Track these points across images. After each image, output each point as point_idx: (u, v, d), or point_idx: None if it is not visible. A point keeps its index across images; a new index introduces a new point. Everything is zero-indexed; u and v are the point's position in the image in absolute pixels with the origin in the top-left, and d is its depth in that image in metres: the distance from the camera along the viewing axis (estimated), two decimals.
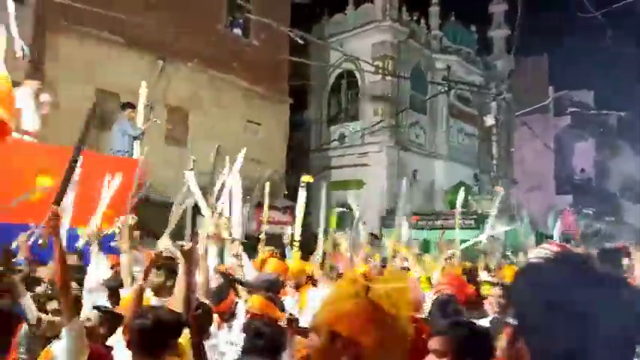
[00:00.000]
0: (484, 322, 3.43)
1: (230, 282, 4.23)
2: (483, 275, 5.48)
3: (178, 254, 3.16)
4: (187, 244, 3.14)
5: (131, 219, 4.73)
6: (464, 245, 7.05)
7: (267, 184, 5.99)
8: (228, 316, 3.78)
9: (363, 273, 1.86)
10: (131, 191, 5.19)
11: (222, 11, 15.50)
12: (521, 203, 18.20)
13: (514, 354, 1.17)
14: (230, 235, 4.97)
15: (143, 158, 8.13)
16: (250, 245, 5.81)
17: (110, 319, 3.27)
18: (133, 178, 5.36)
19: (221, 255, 5.02)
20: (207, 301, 3.59)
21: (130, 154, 8.37)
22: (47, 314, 3.56)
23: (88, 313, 3.52)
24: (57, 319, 3.17)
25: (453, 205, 10.51)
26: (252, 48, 15.88)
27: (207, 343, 2.98)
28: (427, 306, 3.52)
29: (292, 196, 6.02)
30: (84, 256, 5.23)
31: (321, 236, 6.13)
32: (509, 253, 10.61)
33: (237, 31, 16.12)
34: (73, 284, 4.22)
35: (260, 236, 6.93)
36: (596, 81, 23.90)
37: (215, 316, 3.59)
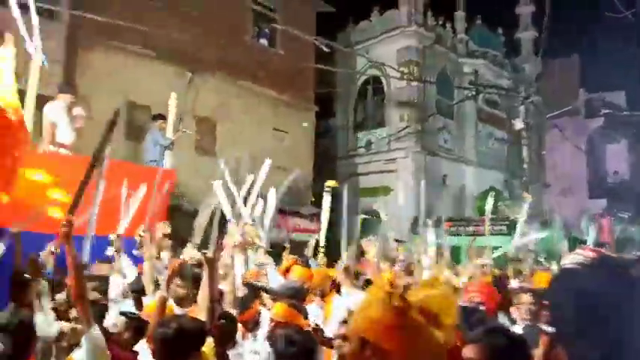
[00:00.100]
0: (516, 330, 3.37)
1: (255, 291, 4.23)
2: (514, 283, 5.37)
3: (202, 262, 3.18)
4: (210, 252, 3.14)
5: (165, 226, 4.79)
6: (495, 254, 6.94)
7: (287, 184, 5.80)
8: (253, 325, 3.76)
9: (389, 280, 1.84)
10: (151, 200, 5.25)
11: (249, 22, 15.73)
12: (554, 208, 17.82)
13: None
14: (256, 243, 4.98)
15: (164, 168, 8.31)
16: (276, 253, 5.84)
17: (136, 325, 3.28)
18: (154, 187, 5.42)
19: (247, 263, 5.06)
20: (233, 310, 3.59)
21: (161, 163, 8.55)
22: (69, 322, 3.61)
23: (114, 319, 3.57)
24: (79, 326, 3.15)
25: (482, 211, 10.38)
26: (278, 57, 16.06)
27: (232, 352, 2.97)
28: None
29: (319, 204, 6.01)
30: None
31: (344, 243, 6.10)
32: (542, 258, 10.39)
33: (264, 41, 16.33)
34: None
35: (285, 244, 6.96)
36: (627, 81, 23.19)
37: (239, 326, 3.57)
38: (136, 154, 10.18)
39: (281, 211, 9.24)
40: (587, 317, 1.04)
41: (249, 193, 5.45)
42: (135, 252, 5.28)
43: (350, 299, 4.18)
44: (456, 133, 20.68)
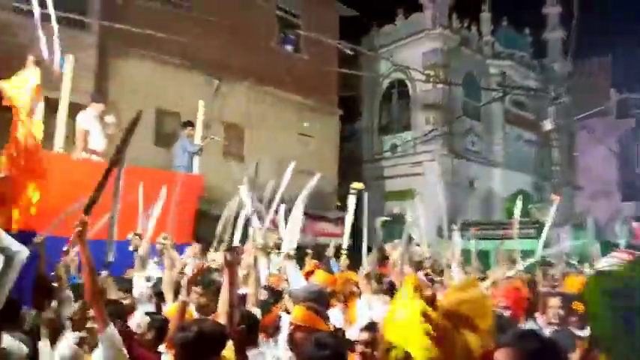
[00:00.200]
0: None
1: (276, 295, 4.19)
2: (543, 287, 5.25)
3: (222, 264, 3.18)
4: (230, 255, 3.14)
5: (195, 249, 4.78)
6: (527, 262, 6.81)
7: (311, 187, 5.73)
8: (273, 331, 3.72)
9: (415, 286, 1.83)
10: (172, 206, 5.28)
11: (274, 29, 15.88)
12: (586, 210, 17.44)
13: None
14: (277, 247, 4.97)
15: (193, 173, 8.44)
16: (299, 256, 5.85)
17: (159, 326, 3.30)
18: (174, 193, 5.47)
19: (269, 267, 5.06)
20: (256, 311, 3.57)
21: (190, 169, 8.71)
22: (88, 320, 3.64)
23: (139, 320, 3.61)
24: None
25: (511, 214, 10.21)
26: (302, 62, 16.16)
27: (252, 353, 2.95)
28: None
29: (345, 208, 5.98)
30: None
31: (365, 247, 6.06)
32: (574, 262, 10.18)
33: (289, 47, 16.46)
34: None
35: (307, 250, 6.97)
36: None
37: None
38: (166, 160, 10.37)
39: (307, 215, 9.25)
40: (625, 320, 1.03)
41: (273, 197, 5.46)
42: (155, 259, 5.28)
43: (374, 309, 4.11)
44: (483, 136, 20.43)
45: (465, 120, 19.48)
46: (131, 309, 4.00)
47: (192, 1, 13.65)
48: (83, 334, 3.28)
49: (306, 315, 3.02)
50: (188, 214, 7.79)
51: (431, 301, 1.83)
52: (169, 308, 3.78)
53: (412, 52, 19.05)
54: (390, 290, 4.40)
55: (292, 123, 15.78)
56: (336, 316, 4.03)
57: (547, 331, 3.63)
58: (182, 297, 3.19)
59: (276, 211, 5.64)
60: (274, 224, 6.28)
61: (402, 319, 1.87)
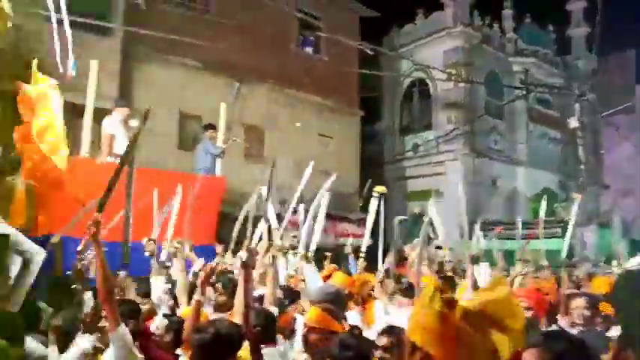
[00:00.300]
0: None
1: (292, 296, 4.18)
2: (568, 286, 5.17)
3: (237, 266, 3.18)
4: (245, 257, 3.14)
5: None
6: (540, 263, 6.72)
7: (327, 187, 5.70)
8: (289, 333, 3.72)
9: (435, 287, 1.83)
10: (190, 208, 5.26)
11: (294, 31, 15.95)
12: (612, 209, 17.09)
13: None
14: (293, 248, 4.96)
15: (216, 176, 8.50)
16: (317, 258, 5.85)
17: (177, 328, 3.30)
18: (190, 195, 5.48)
19: (286, 268, 5.05)
20: (273, 309, 3.58)
21: (212, 171, 8.80)
22: (101, 320, 3.66)
23: (157, 322, 3.63)
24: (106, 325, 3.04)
25: (537, 214, 10.07)
26: (322, 63, 16.20)
27: (269, 351, 2.96)
28: None
29: (367, 209, 5.98)
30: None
31: (380, 249, 6.03)
32: (600, 261, 10.02)
33: (308, 48, 16.51)
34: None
35: (326, 253, 6.98)
36: None
37: None
38: (188, 163, 10.50)
39: (328, 216, 9.24)
40: None
41: (292, 198, 5.48)
42: (168, 263, 5.29)
43: (391, 313, 4.09)
44: (506, 134, 20.18)
45: (487, 119, 19.28)
46: (151, 313, 4.03)
47: (212, 5, 13.81)
48: (96, 336, 3.28)
49: (320, 316, 3.00)
50: (211, 216, 7.88)
51: (450, 302, 1.83)
52: (184, 310, 3.79)
53: (433, 51, 18.93)
54: (409, 291, 4.37)
55: (312, 124, 15.82)
56: (353, 317, 4.01)
57: (574, 331, 3.57)
58: (196, 297, 3.17)
59: (295, 211, 5.64)
60: (294, 225, 6.31)
61: (422, 321, 1.88)
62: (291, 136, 14.86)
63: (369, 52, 12.55)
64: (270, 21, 14.57)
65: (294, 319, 3.85)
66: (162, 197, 5.93)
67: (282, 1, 14.38)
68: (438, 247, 7.15)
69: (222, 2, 13.81)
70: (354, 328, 3.40)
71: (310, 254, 4.77)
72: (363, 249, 5.72)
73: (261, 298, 3.83)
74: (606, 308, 3.82)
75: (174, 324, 3.38)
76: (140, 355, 2.85)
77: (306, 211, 5.41)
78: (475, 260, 5.29)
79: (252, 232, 4.46)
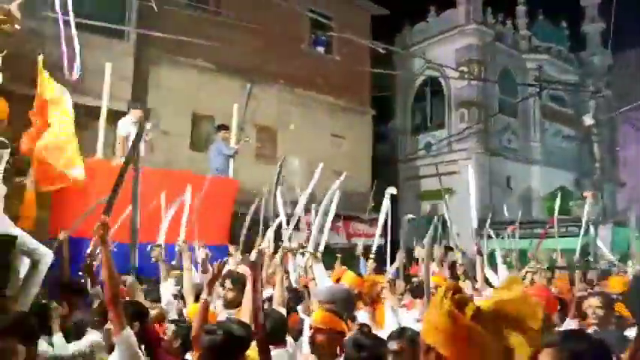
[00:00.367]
0: None
1: (298, 298, 4.17)
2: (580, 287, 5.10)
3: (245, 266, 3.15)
4: (255, 256, 3.13)
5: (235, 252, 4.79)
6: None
7: (336, 187, 5.66)
8: (296, 334, 3.70)
9: (447, 287, 1.82)
10: (197, 208, 5.26)
11: (305, 31, 15.97)
12: (629, 207, 16.84)
13: None
14: (302, 248, 4.94)
15: (229, 177, 8.54)
16: (328, 257, 5.81)
17: (187, 334, 3.25)
18: (197, 196, 5.48)
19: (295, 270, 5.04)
20: (282, 310, 3.57)
21: (225, 172, 8.85)
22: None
23: (167, 326, 3.61)
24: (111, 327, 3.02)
25: (552, 212, 9.98)
26: (334, 63, 16.20)
27: (278, 352, 2.96)
28: None
29: (379, 208, 5.97)
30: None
31: (389, 249, 6.00)
32: (616, 260, 9.89)
33: (320, 48, 16.52)
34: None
35: (337, 255, 6.97)
36: None
37: None
38: (202, 164, 10.57)
39: (340, 216, 9.26)
40: None
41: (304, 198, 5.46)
42: (173, 262, 5.29)
43: (399, 315, 4.07)
44: (520, 133, 20.01)
45: (501, 117, 19.14)
46: (159, 317, 4.03)
47: (223, 7, 13.88)
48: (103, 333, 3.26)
49: (326, 317, 2.99)
50: (224, 216, 7.93)
51: (461, 302, 1.83)
52: (190, 308, 3.79)
53: (445, 48, 18.83)
54: (418, 291, 4.36)
55: (324, 124, 15.83)
56: (363, 317, 4.00)
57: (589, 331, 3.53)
58: (203, 296, 3.15)
59: (308, 210, 5.62)
60: (308, 225, 6.32)
61: (433, 321, 1.89)
62: (303, 136, 14.88)
63: (381, 50, 12.53)
64: (281, 21, 14.59)
65: (302, 320, 3.84)
66: (173, 198, 5.94)
67: (294, 0, 14.41)
68: (449, 248, 7.11)
69: (233, 3, 13.86)
70: (363, 326, 3.40)
71: (319, 253, 4.74)
72: (374, 249, 5.71)
73: (269, 299, 3.84)
74: (621, 309, 3.78)
75: (183, 329, 3.35)
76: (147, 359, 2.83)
77: (317, 211, 5.40)
78: (480, 253, 5.25)
79: (264, 232, 4.48)
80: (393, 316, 3.92)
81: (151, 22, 10.70)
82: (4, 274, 3.54)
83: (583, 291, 3.57)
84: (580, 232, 6.89)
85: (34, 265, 3.65)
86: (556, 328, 3.30)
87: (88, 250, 3.85)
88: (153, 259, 4.84)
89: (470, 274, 5.49)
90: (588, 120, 17.03)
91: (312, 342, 2.94)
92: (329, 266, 6.47)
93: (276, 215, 5.13)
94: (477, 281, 5.22)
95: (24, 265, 3.71)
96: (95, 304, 4.03)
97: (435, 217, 7.15)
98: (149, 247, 4.84)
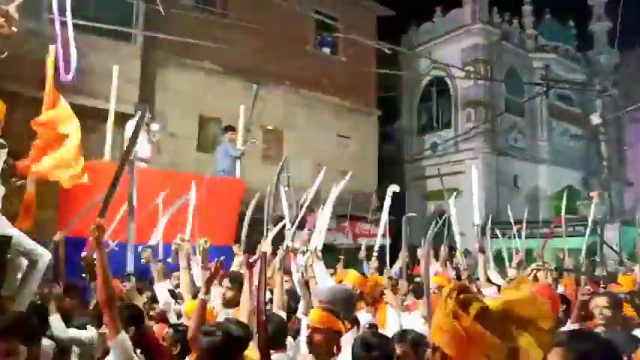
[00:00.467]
0: None
1: (296, 298, 4.15)
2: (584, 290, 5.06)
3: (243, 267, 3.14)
4: (252, 257, 3.13)
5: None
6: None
7: (340, 187, 5.66)
8: (294, 334, 3.70)
9: (452, 287, 1.83)
10: (190, 208, 5.26)
11: (311, 32, 16.00)
12: (636, 206, 16.75)
13: None
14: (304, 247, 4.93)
15: (236, 178, 8.57)
16: (330, 256, 5.76)
17: (186, 339, 3.17)
18: (197, 197, 5.47)
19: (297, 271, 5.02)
20: (282, 313, 3.57)
21: (232, 173, 8.88)
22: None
23: (165, 331, 3.59)
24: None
25: (559, 212, 9.94)
26: (340, 64, 16.22)
27: (279, 356, 2.93)
28: None
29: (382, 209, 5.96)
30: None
31: (387, 249, 5.98)
32: (625, 259, 9.85)
33: (326, 49, 16.54)
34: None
35: (339, 257, 6.96)
36: None
37: None
38: (208, 165, 10.62)
39: (346, 217, 9.25)
40: None
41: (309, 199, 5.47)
42: (169, 260, 5.24)
43: (402, 317, 4.07)
44: (527, 132, 19.95)
45: (507, 116, 19.09)
46: (160, 316, 4.05)
47: (229, 9, 13.94)
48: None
49: (323, 317, 2.98)
50: (231, 217, 7.96)
51: (464, 302, 1.85)
52: (188, 305, 3.75)
53: (451, 48, 18.81)
54: (420, 291, 4.35)
55: (330, 125, 15.86)
56: (365, 318, 3.97)
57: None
58: (201, 295, 3.12)
59: (312, 210, 5.60)
60: (312, 226, 6.31)
61: (437, 321, 1.92)
62: (309, 137, 14.91)
63: (387, 51, 12.55)
64: (287, 23, 14.64)
65: (299, 319, 3.84)
66: (173, 200, 5.89)
67: (299, 2, 14.44)
68: (452, 248, 7.08)
69: (239, 5, 13.92)
70: (372, 326, 3.40)
71: (318, 252, 4.71)
72: (376, 248, 5.71)
73: (269, 302, 3.82)
74: (626, 309, 3.76)
75: (182, 334, 3.27)
76: None
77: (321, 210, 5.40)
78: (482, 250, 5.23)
79: (266, 233, 4.48)
80: (395, 317, 3.91)
81: (158, 24, 10.78)
82: (0, 275, 3.55)
83: (587, 294, 3.53)
84: (586, 232, 6.88)
85: (32, 265, 3.67)
86: (559, 329, 3.29)
87: (83, 254, 3.83)
88: (143, 261, 4.75)
89: (475, 275, 5.47)
90: (595, 119, 16.97)
91: (310, 342, 2.94)
92: (332, 265, 6.49)
93: (279, 216, 5.13)
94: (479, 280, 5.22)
95: (21, 265, 3.72)
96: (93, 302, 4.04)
97: (438, 217, 7.13)
98: (140, 247, 4.77)
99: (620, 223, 13.64)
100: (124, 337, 2.61)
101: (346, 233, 13.23)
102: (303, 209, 4.93)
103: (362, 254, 6.90)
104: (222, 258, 3.29)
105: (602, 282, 5.97)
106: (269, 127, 14.47)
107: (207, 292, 3.13)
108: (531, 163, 19.66)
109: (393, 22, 18.30)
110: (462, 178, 18.04)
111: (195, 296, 3.78)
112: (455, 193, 7.23)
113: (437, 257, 6.88)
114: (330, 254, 7.50)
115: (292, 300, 4.16)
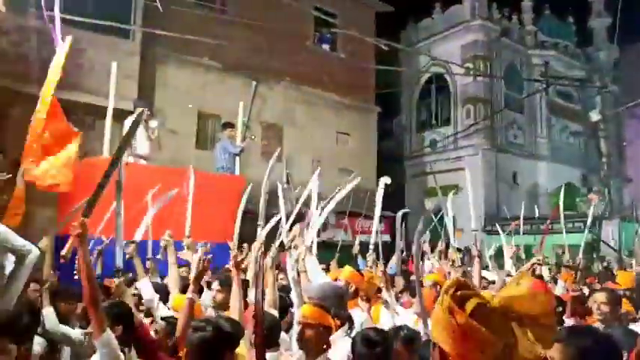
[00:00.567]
0: None
1: (287, 295, 4.16)
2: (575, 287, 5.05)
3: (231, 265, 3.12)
4: (239, 255, 3.10)
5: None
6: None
7: (349, 188, 5.64)
8: (286, 328, 3.70)
9: (449, 283, 1.83)
10: (184, 204, 5.23)
11: (310, 29, 15.97)
12: (636, 203, 16.78)
13: None
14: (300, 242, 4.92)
15: (236, 174, 8.56)
16: (328, 253, 5.71)
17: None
18: (187, 191, 5.45)
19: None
20: (274, 311, 3.54)
21: (231, 170, 8.88)
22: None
23: (157, 324, 3.59)
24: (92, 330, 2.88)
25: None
26: (339, 60, 16.19)
27: (272, 356, 2.89)
28: None
29: (385, 206, 5.93)
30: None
31: (380, 244, 5.96)
32: (625, 256, 9.87)
33: (325, 45, 16.51)
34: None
35: (336, 254, 6.94)
36: None
37: None
38: (207, 162, 10.61)
39: (346, 213, 9.23)
40: None
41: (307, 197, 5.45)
42: (158, 256, 5.28)
43: (399, 314, 4.05)
44: (526, 128, 19.96)
45: (507, 113, 19.09)
46: (118, 293, 3.92)
47: (228, 5, 13.91)
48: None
49: (314, 312, 2.97)
50: (231, 214, 7.96)
51: (460, 298, 1.84)
52: (175, 299, 3.73)
53: (451, 45, 18.81)
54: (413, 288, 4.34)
55: (330, 121, 15.85)
56: (359, 315, 3.95)
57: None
58: (189, 294, 3.07)
59: (308, 206, 5.59)
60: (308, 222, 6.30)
61: (434, 317, 1.91)
62: (308, 133, 14.90)
63: (385, 48, 12.53)
64: (286, 19, 14.60)
65: (292, 313, 3.83)
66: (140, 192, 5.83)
67: None
68: (449, 244, 7.08)
69: (238, 1, 13.89)
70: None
71: (311, 246, 4.67)
72: (372, 243, 5.65)
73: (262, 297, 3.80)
74: (625, 304, 3.78)
75: (173, 325, 3.23)
76: None
77: (322, 209, 5.38)
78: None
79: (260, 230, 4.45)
80: (389, 318, 3.90)
81: (157, 20, 10.74)
82: None
83: (576, 290, 3.52)
84: (585, 229, 6.90)
85: (19, 261, 3.64)
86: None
87: (62, 252, 3.81)
88: (127, 256, 4.77)
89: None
90: (595, 116, 16.99)
91: (301, 338, 2.93)
92: (326, 262, 6.48)
93: (274, 212, 5.12)
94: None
95: (8, 261, 3.69)
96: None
97: (433, 215, 7.12)
98: (124, 242, 4.77)
99: (619, 220, 13.67)
100: (110, 335, 2.56)
101: (346, 230, 13.23)
102: (298, 206, 4.91)
103: (355, 249, 6.88)
104: (209, 256, 3.25)
105: (598, 278, 5.99)
106: (269, 122, 14.45)
107: (196, 290, 3.09)
108: (531, 160, 19.67)
109: (391, 18, 18.27)
110: (461, 174, 17.95)
111: (182, 291, 3.79)
112: (452, 192, 7.15)
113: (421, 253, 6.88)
114: (330, 251, 7.52)
115: (288, 296, 4.14)
